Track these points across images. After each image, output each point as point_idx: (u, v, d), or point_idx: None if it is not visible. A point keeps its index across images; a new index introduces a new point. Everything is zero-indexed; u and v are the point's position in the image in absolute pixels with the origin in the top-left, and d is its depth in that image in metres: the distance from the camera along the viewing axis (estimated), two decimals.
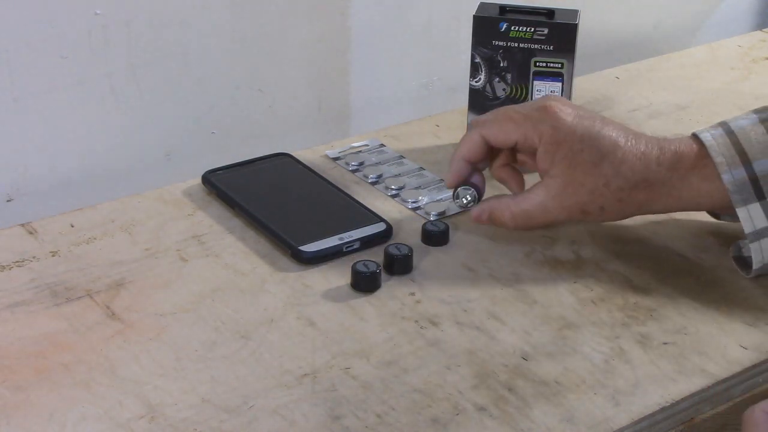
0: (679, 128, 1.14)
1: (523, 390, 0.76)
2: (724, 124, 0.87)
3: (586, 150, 0.86)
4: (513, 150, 0.91)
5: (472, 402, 0.74)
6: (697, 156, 0.86)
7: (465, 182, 0.91)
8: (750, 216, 0.84)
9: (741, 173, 0.84)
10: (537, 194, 0.88)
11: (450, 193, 0.99)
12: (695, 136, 0.87)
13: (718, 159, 0.84)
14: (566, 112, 0.87)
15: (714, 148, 0.85)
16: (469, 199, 0.90)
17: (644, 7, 1.47)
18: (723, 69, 1.31)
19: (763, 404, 0.63)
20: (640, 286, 0.87)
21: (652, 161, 0.86)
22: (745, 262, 0.88)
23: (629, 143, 0.86)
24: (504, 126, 0.88)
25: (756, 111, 0.88)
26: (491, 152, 0.91)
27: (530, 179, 0.92)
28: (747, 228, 0.85)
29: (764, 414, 0.63)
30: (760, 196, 0.84)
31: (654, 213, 0.89)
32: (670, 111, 1.19)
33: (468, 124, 1.07)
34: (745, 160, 0.84)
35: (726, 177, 0.84)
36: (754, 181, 0.84)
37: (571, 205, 0.87)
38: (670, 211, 0.89)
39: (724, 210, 0.89)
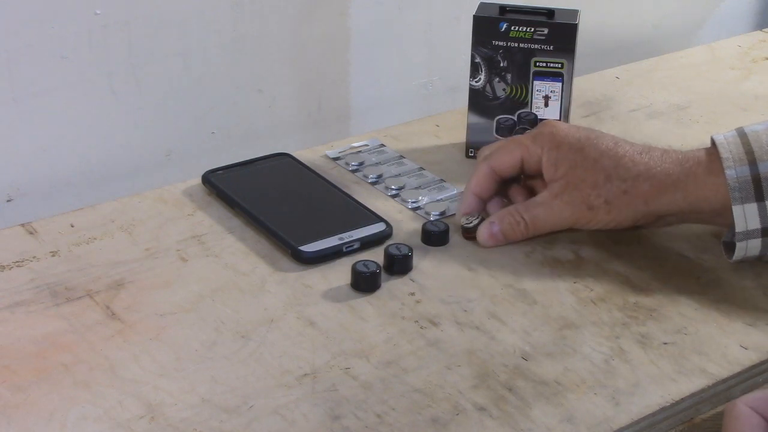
0: (679, 128, 1.14)
1: (523, 390, 0.76)
2: (739, 128, 0.88)
3: (586, 148, 0.88)
4: (526, 187, 0.94)
5: (472, 402, 0.74)
6: (707, 154, 0.87)
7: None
8: (744, 215, 0.84)
9: (745, 171, 0.84)
10: (541, 196, 0.90)
11: (451, 192, 0.99)
12: (711, 140, 0.88)
13: (725, 155, 0.85)
14: (563, 124, 0.90)
15: (723, 145, 0.86)
16: (476, 216, 0.91)
17: (644, 7, 1.47)
18: (723, 69, 1.31)
19: (745, 398, 0.63)
20: (640, 286, 0.87)
21: (654, 156, 0.87)
22: (730, 248, 0.89)
23: (628, 145, 0.89)
24: (507, 148, 0.91)
25: None
26: (503, 185, 0.93)
27: None
28: (739, 227, 0.85)
29: (746, 408, 0.63)
30: (759, 197, 0.84)
31: (663, 213, 0.88)
32: (670, 111, 1.19)
33: (468, 125, 1.07)
34: (752, 159, 0.84)
35: (729, 173, 0.84)
36: (757, 181, 0.84)
37: (575, 201, 0.87)
38: (680, 210, 0.88)
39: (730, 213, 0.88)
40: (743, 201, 0.84)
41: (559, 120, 1.03)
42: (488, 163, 0.91)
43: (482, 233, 0.91)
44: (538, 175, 0.91)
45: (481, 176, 0.91)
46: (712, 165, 0.86)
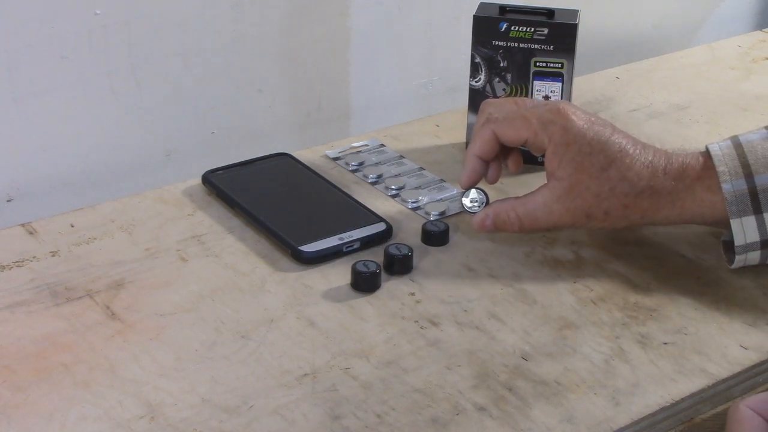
0: (679, 128, 1.14)
1: (523, 390, 0.76)
2: (734, 137, 0.87)
3: (595, 154, 0.86)
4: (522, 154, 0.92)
5: (472, 402, 0.74)
6: (703, 167, 0.86)
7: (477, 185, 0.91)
8: (743, 228, 0.84)
9: (741, 185, 0.84)
10: (542, 195, 0.88)
11: (451, 192, 0.99)
12: (706, 149, 0.87)
13: (721, 168, 0.84)
14: (578, 116, 0.87)
15: (719, 157, 0.85)
16: (480, 201, 0.90)
17: (644, 7, 1.47)
18: (723, 69, 1.31)
19: (748, 400, 0.63)
20: (640, 286, 0.87)
21: (659, 170, 0.86)
22: (728, 248, 0.88)
23: (637, 151, 0.87)
24: (515, 124, 0.88)
25: None
26: (503, 149, 0.91)
27: (535, 181, 0.92)
28: (738, 240, 0.85)
29: (748, 410, 0.63)
30: (756, 210, 0.84)
31: (658, 224, 0.88)
32: (670, 111, 1.19)
33: (468, 125, 1.07)
34: (748, 172, 0.84)
35: (726, 187, 0.84)
36: (754, 194, 0.84)
37: (576, 208, 0.86)
38: (674, 223, 0.88)
39: (726, 224, 0.88)
40: (741, 215, 0.84)
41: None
42: (492, 129, 0.89)
43: (475, 221, 0.90)
44: (539, 151, 0.89)
45: (485, 140, 0.89)
46: (708, 181, 0.85)
